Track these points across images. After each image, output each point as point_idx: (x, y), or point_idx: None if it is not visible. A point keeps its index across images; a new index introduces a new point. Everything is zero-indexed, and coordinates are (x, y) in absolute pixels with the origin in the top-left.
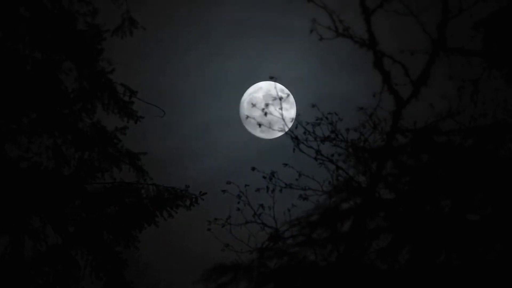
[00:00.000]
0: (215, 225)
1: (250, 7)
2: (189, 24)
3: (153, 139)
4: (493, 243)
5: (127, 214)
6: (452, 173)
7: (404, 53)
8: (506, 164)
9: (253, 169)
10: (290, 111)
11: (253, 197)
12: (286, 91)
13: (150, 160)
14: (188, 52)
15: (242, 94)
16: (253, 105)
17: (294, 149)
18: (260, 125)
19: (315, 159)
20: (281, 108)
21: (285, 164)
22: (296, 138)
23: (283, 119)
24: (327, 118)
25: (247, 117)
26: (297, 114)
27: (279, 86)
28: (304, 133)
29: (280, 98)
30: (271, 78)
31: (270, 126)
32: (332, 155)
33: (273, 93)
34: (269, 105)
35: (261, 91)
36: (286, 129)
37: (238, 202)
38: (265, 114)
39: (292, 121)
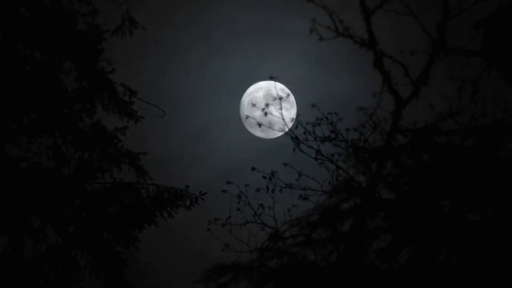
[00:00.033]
0: (215, 225)
1: (250, 7)
2: (189, 24)
3: (153, 139)
4: (493, 243)
5: (127, 214)
6: (452, 173)
7: (404, 53)
8: (506, 164)
9: (253, 169)
10: (290, 110)
11: (253, 197)
12: (287, 90)
13: (150, 160)
14: (188, 52)
15: (242, 94)
16: (253, 105)
17: (294, 149)
18: (260, 125)
19: (315, 159)
20: (281, 108)
21: (285, 164)
22: (296, 138)
23: (283, 119)
24: (327, 118)
25: (247, 117)
26: (297, 114)
27: (279, 85)
28: (304, 133)
29: (280, 98)
30: (271, 78)
31: (270, 126)
32: (332, 155)
33: (274, 92)
34: (269, 105)
35: (262, 90)
36: (286, 129)
37: (238, 202)
38: (265, 114)
39: (292, 121)
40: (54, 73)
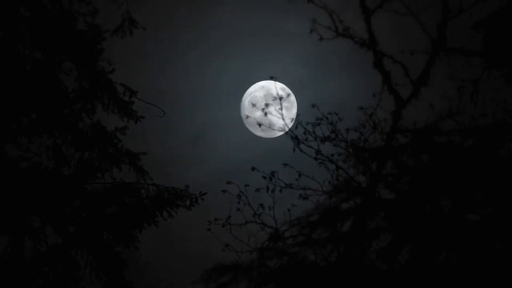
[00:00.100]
0: (215, 225)
1: (250, 7)
2: (189, 24)
3: (153, 139)
4: (493, 243)
5: (127, 214)
6: (452, 173)
7: (404, 53)
8: (506, 164)
9: (253, 169)
10: (291, 110)
11: (253, 197)
12: (287, 90)
13: (150, 160)
14: (188, 52)
15: (242, 94)
16: (253, 105)
17: (294, 149)
18: (260, 125)
19: (315, 159)
20: (281, 108)
21: (285, 164)
22: (296, 138)
23: (283, 119)
24: (327, 118)
25: (247, 117)
26: (297, 114)
27: (280, 85)
28: (304, 133)
29: (281, 98)
30: (271, 78)
31: (270, 126)
32: (332, 155)
33: (274, 92)
34: (269, 105)
35: (262, 90)
36: (286, 129)
37: (238, 202)
38: (265, 114)
39: (292, 120)
40: (54, 73)
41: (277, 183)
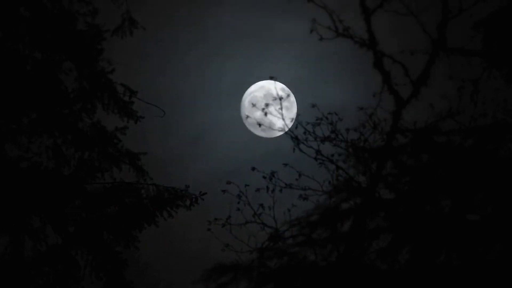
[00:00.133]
0: (215, 225)
1: (250, 7)
2: (189, 24)
3: (153, 139)
4: (493, 243)
5: (127, 214)
6: (452, 173)
7: (404, 53)
8: (506, 164)
9: (253, 169)
10: (291, 110)
11: (253, 197)
12: (287, 90)
13: (150, 160)
14: (188, 52)
15: (242, 94)
16: (253, 105)
17: (294, 149)
18: (260, 125)
19: (315, 159)
20: (281, 108)
21: (285, 164)
22: (296, 138)
23: (283, 119)
24: (327, 118)
25: (247, 116)
26: (297, 114)
27: (280, 85)
28: (304, 133)
29: (280, 98)
30: (271, 78)
31: (270, 126)
32: (332, 155)
33: (274, 92)
34: (269, 105)
35: (262, 90)
36: (286, 129)
37: (238, 202)
38: (265, 114)
39: (292, 120)
40: (54, 73)
41: (277, 183)
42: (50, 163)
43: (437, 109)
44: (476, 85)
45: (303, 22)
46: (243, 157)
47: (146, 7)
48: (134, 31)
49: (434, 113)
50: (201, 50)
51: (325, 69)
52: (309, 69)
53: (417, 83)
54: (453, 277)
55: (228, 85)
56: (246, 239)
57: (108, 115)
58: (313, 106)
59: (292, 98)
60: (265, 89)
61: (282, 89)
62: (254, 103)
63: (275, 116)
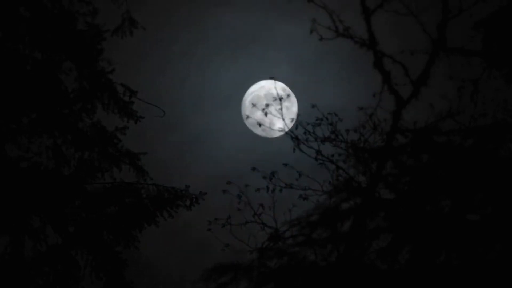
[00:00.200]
0: (215, 225)
1: (250, 7)
2: (189, 24)
3: (153, 139)
4: (493, 243)
5: (127, 214)
6: (452, 173)
7: (404, 53)
8: (506, 164)
9: (253, 169)
10: (291, 109)
11: (253, 197)
12: (288, 90)
13: (150, 160)
14: (188, 52)
15: (243, 94)
16: (253, 105)
17: (294, 149)
18: (260, 125)
19: (315, 159)
20: (281, 108)
21: (285, 164)
22: (297, 138)
23: (283, 119)
24: (327, 118)
25: (248, 116)
26: (298, 115)
27: (280, 85)
28: (305, 133)
29: (281, 99)
30: (271, 78)
31: (270, 126)
32: (332, 155)
33: (275, 92)
34: (269, 105)
35: (263, 90)
36: (287, 129)
37: (238, 202)
38: (265, 114)
39: (293, 120)
40: (54, 73)
41: (277, 183)
42: (50, 163)
43: (437, 109)
44: (476, 85)
45: (303, 22)
46: (243, 157)
47: (146, 7)
48: (134, 31)
49: (434, 113)
50: (201, 50)
51: (325, 69)
52: (309, 69)
53: (417, 83)
54: (453, 277)
55: (228, 85)
56: (246, 239)
57: (108, 115)
58: (313, 106)
59: (293, 98)
60: (265, 88)
61: (283, 89)
62: (254, 103)
63: (275, 116)
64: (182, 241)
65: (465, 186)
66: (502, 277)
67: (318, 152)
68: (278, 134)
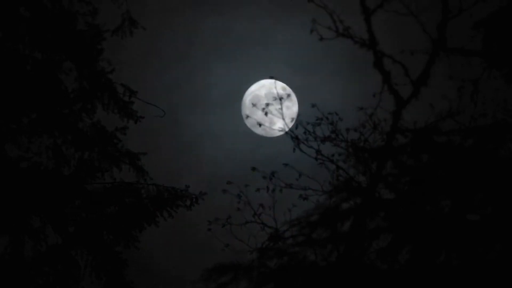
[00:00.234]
0: (215, 225)
1: (250, 7)
2: (189, 24)
3: (153, 139)
4: (493, 243)
5: (127, 214)
6: (452, 173)
7: (404, 53)
8: (506, 164)
9: (253, 169)
10: (292, 109)
11: (253, 197)
12: (288, 89)
13: (150, 160)
14: (189, 52)
15: (243, 94)
16: (254, 105)
17: (294, 149)
18: (260, 124)
19: (316, 159)
20: (281, 108)
21: (285, 164)
22: (297, 138)
23: (284, 119)
24: (327, 118)
25: (248, 116)
26: (298, 114)
27: (281, 84)
28: (305, 133)
29: (281, 98)
30: (271, 78)
31: (270, 126)
32: (333, 155)
33: (275, 91)
34: (269, 104)
35: (263, 89)
36: (287, 129)
37: (238, 202)
38: (266, 114)
39: (293, 120)
40: (54, 73)
41: (277, 183)
42: (50, 163)
43: (437, 109)
44: (476, 85)
45: (303, 22)
46: (243, 157)
47: (146, 7)
48: (134, 31)
49: (434, 113)
50: (201, 50)
51: (325, 69)
52: (309, 69)
53: (417, 83)
54: (453, 277)
55: (228, 84)
56: (246, 239)
57: (108, 115)
58: (313, 106)
59: (293, 97)
60: (266, 88)
61: (283, 88)
62: (254, 102)
63: (275, 115)
64: (182, 241)
65: (465, 186)
66: (502, 277)
67: (318, 152)
68: (278, 133)
